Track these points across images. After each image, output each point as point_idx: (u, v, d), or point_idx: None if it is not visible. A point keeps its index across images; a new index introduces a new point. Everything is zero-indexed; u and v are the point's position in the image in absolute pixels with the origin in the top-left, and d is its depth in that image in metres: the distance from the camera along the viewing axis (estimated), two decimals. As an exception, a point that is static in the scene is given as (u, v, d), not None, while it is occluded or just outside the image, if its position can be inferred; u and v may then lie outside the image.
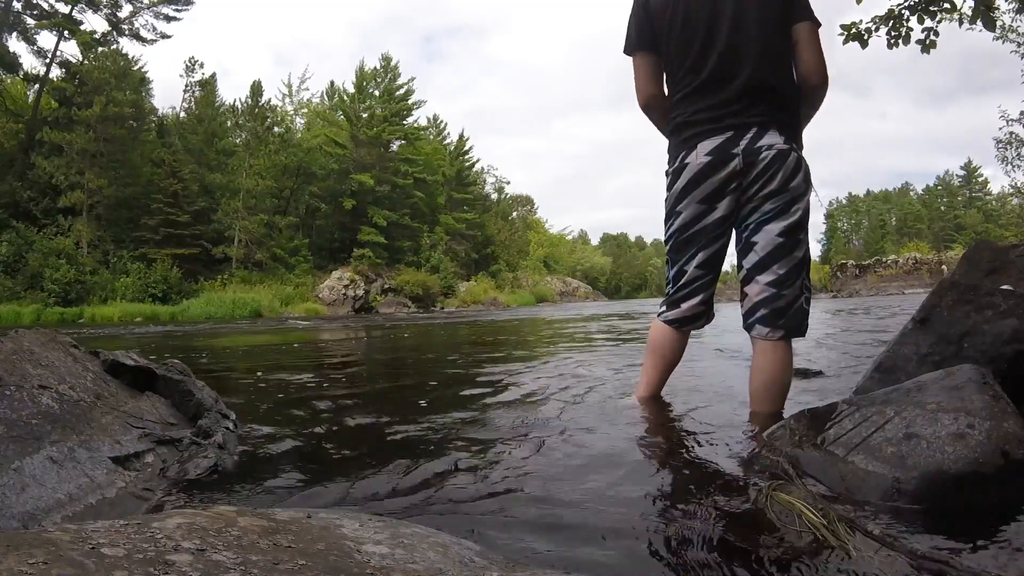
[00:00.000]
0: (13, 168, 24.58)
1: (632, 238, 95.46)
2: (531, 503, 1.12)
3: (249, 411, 2.08)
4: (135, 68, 29.18)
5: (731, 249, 1.82)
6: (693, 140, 1.69)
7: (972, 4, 4.54)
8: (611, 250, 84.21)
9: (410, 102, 36.23)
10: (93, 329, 13.47)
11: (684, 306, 1.82)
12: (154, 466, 1.34)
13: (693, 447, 1.48)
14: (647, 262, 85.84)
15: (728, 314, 3.51)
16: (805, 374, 2.54)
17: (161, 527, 0.64)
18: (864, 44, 4.87)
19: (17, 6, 25.62)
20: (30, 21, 25.96)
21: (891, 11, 4.75)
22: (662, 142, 1.87)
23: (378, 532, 0.77)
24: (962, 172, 62.48)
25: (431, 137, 41.78)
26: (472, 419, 1.91)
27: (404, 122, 35.93)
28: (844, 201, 71.74)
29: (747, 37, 1.64)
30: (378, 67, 35.57)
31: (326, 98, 38.93)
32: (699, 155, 1.67)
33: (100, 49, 26.65)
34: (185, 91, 34.92)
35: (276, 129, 32.18)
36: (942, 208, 61.95)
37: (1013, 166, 15.14)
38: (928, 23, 4.72)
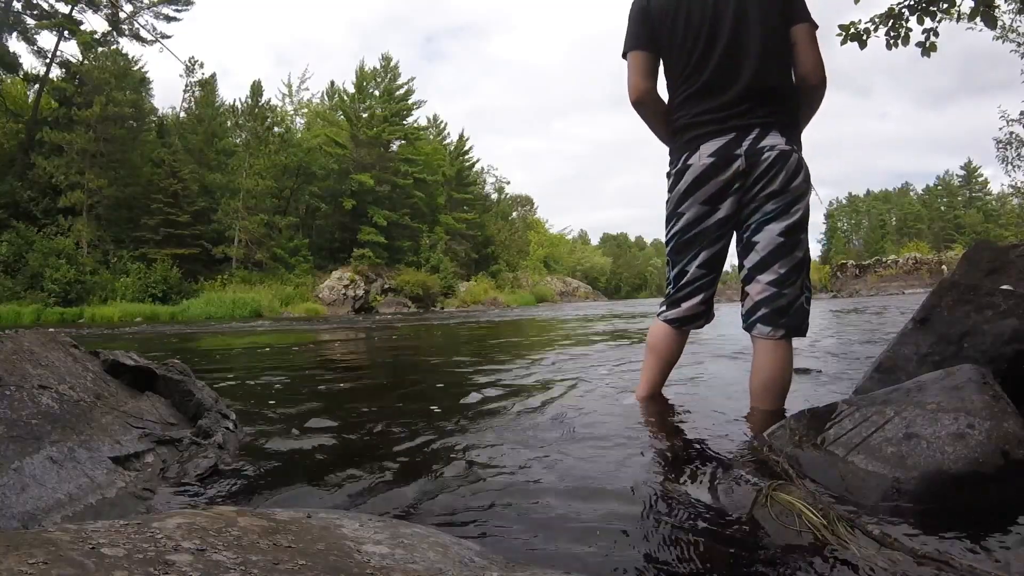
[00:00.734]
0: (13, 168, 24.57)
1: (632, 238, 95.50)
2: (531, 503, 1.12)
3: (249, 411, 2.08)
4: (135, 68, 29.20)
5: (732, 249, 1.83)
6: (696, 141, 1.70)
7: (972, 3, 4.54)
8: (611, 250, 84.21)
9: (410, 102, 36.23)
10: (93, 329, 13.47)
11: (684, 306, 1.83)
12: (154, 466, 1.34)
13: (693, 446, 1.48)
14: (647, 262, 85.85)
15: (728, 314, 3.51)
16: (805, 374, 2.54)
17: (161, 527, 0.64)
18: (863, 44, 4.86)
19: (17, 6, 25.63)
20: (30, 21, 25.97)
21: (891, 10, 4.74)
22: (662, 143, 1.88)
23: (378, 532, 0.77)
24: (962, 172, 62.51)
25: (431, 137, 41.78)
26: (472, 419, 1.91)
27: (404, 122, 35.92)
28: (844, 201, 71.82)
29: (749, 39, 1.65)
30: (378, 67, 35.58)
31: (326, 98, 38.95)
32: (702, 156, 1.68)
33: (100, 49, 26.65)
34: (185, 91, 34.96)
35: (276, 129, 32.17)
36: (942, 208, 61.95)
37: (1013, 166, 15.14)
38: (928, 23, 4.71)
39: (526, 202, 59.53)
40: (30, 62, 28.72)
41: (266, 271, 28.03)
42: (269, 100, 33.09)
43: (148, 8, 28.36)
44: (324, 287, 28.53)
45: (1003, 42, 10.85)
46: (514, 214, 55.25)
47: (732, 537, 0.96)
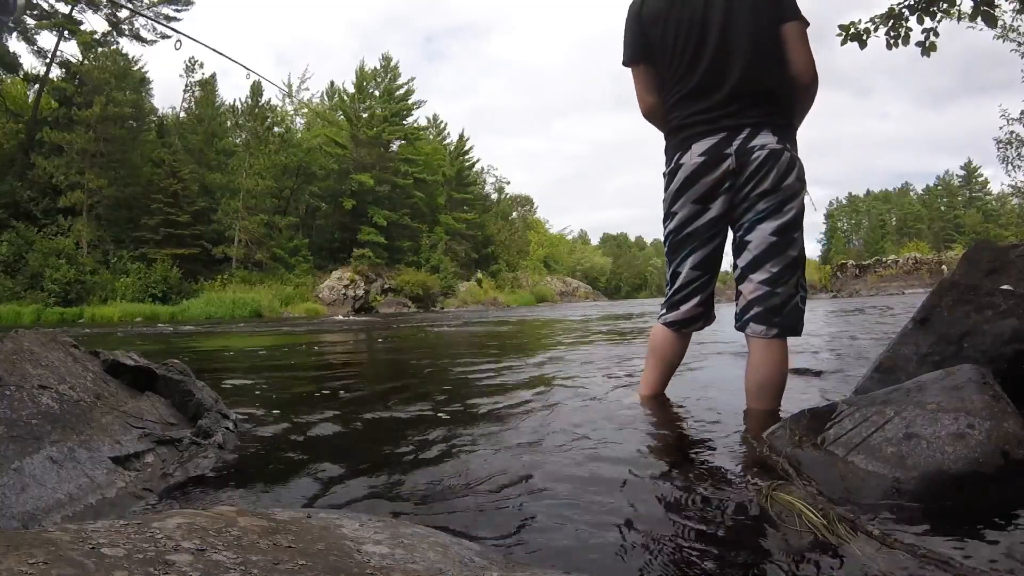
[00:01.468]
0: (13, 168, 24.58)
1: (632, 238, 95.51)
2: (532, 503, 1.12)
3: (249, 411, 2.08)
4: (135, 68, 29.19)
5: (729, 250, 1.83)
6: (688, 141, 1.72)
7: (972, 2, 4.53)
8: (611, 250, 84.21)
9: (410, 102, 36.24)
10: (93, 329, 13.47)
11: (683, 308, 1.84)
12: (154, 466, 1.34)
13: (693, 446, 1.48)
14: (647, 262, 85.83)
15: (728, 314, 3.51)
16: (805, 374, 2.54)
17: (161, 527, 0.64)
18: (863, 44, 4.86)
19: (31, 23, 25.59)
20: (30, 21, 25.95)
21: (891, 10, 4.74)
22: (662, 142, 1.88)
23: (378, 532, 0.77)
24: (962, 172, 62.52)
25: (431, 137, 41.79)
26: (473, 419, 1.91)
27: (404, 122, 35.93)
28: (844, 201, 71.83)
29: (738, 40, 1.66)
30: (378, 67, 35.59)
31: (326, 98, 38.95)
32: (693, 155, 1.70)
33: (100, 49, 26.66)
34: (185, 91, 34.97)
35: (276, 129, 32.19)
36: (942, 208, 61.95)
37: (1013, 166, 15.13)
38: (928, 23, 4.71)
39: (526, 202, 59.55)
40: (30, 62, 28.72)
41: (266, 271, 28.04)
42: (269, 100, 33.13)
43: (148, 8, 28.34)
44: (324, 287, 28.54)
45: (1003, 41, 10.85)
46: (514, 214, 55.25)
47: (732, 537, 0.96)
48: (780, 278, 1.65)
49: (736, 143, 1.64)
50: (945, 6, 4.64)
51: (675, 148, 1.76)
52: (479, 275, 36.94)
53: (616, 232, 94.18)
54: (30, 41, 26.33)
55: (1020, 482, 1.01)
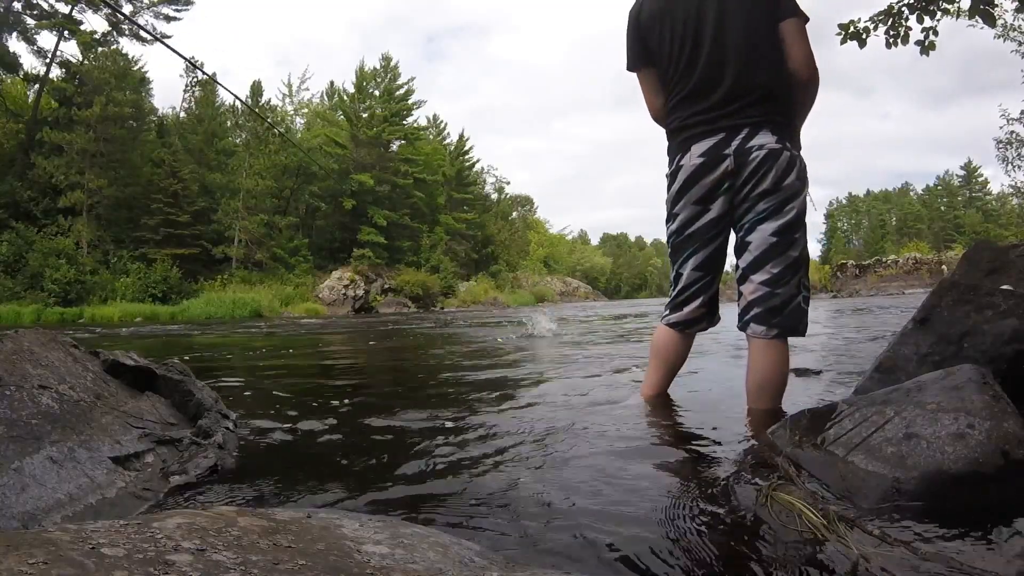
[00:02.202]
0: (13, 168, 24.57)
1: (632, 238, 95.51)
2: (532, 503, 1.12)
3: (249, 411, 2.08)
4: (135, 68, 29.19)
5: (731, 250, 1.83)
6: (687, 143, 1.72)
7: (971, 1, 4.53)
8: (611, 250, 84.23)
9: (410, 102, 36.23)
10: (93, 329, 13.47)
11: (686, 309, 1.84)
12: (154, 466, 1.34)
13: (694, 446, 1.48)
14: (647, 262, 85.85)
15: (727, 314, 3.51)
16: (805, 374, 2.54)
17: (161, 527, 0.64)
18: (862, 43, 4.85)
19: (17, 6, 25.61)
20: (30, 21, 25.96)
21: (890, 8, 4.74)
22: (662, 142, 1.89)
23: (378, 532, 0.77)
24: (962, 172, 62.50)
25: (431, 137, 41.79)
26: (473, 419, 1.91)
27: (404, 122, 35.91)
28: (844, 201, 71.80)
29: (733, 40, 1.67)
30: (378, 67, 35.57)
31: (326, 98, 38.94)
32: (692, 157, 1.70)
33: (100, 49, 26.65)
34: (185, 91, 34.99)
35: (277, 129, 32.16)
36: (942, 208, 61.94)
37: (1013, 166, 15.13)
38: (927, 22, 4.71)
39: (526, 202, 59.57)
40: (30, 62, 28.77)
41: (266, 271, 28.03)
42: (269, 100, 33.16)
43: (148, 8, 28.34)
44: (324, 287, 28.53)
45: (1004, 41, 10.85)
46: (514, 214, 55.25)
47: (732, 537, 0.96)
48: (781, 279, 1.64)
49: (735, 143, 1.64)
50: (944, 5, 4.63)
51: (676, 150, 1.77)
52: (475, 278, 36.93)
53: (616, 232, 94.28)
54: (30, 41, 26.35)
55: (1020, 482, 1.01)
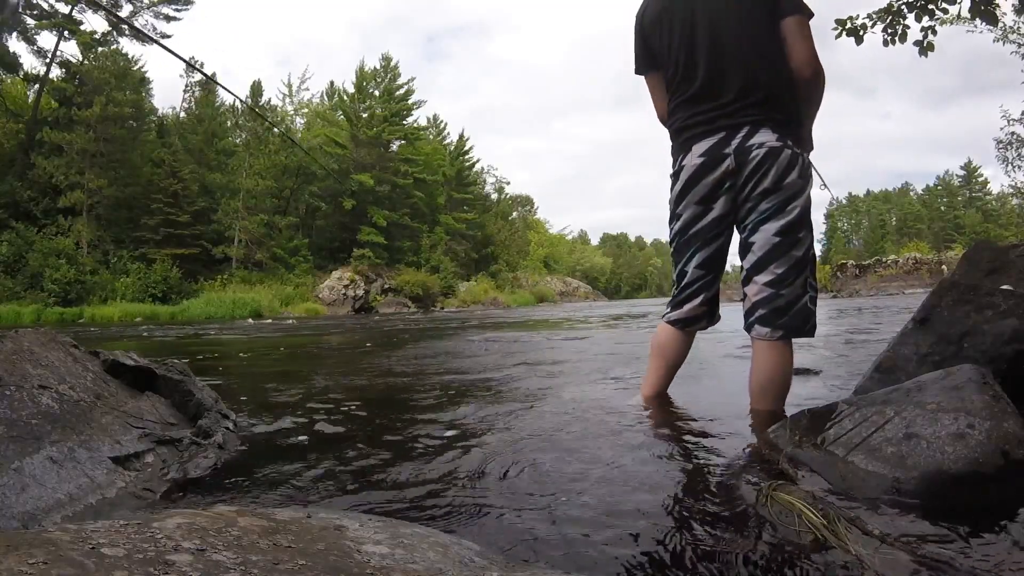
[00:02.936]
0: (13, 168, 24.57)
1: (632, 238, 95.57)
2: (533, 503, 1.12)
3: (249, 411, 2.08)
4: (135, 68, 29.18)
5: (734, 249, 1.83)
6: (688, 143, 1.73)
7: (971, 1, 4.52)
8: (611, 250, 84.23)
9: (410, 102, 36.23)
10: (94, 329, 13.46)
11: (686, 307, 1.84)
12: (154, 466, 1.34)
13: (694, 446, 1.48)
14: (647, 262, 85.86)
15: (728, 313, 3.51)
16: (805, 374, 2.54)
17: (161, 527, 0.64)
18: (859, 40, 4.84)
19: (17, 3, 25.56)
20: (30, 21, 25.94)
21: (890, 6, 4.73)
22: (663, 142, 1.89)
23: (378, 532, 0.77)
24: (962, 172, 62.50)
25: (431, 137, 41.79)
26: (473, 419, 1.91)
27: (404, 122, 35.91)
28: (844, 201, 71.75)
29: (732, 40, 1.67)
30: (378, 67, 35.58)
31: (326, 98, 38.94)
32: (693, 157, 1.70)
33: (100, 49, 26.64)
34: (185, 91, 34.98)
35: (276, 129, 32.17)
36: (942, 208, 61.94)
37: (1013, 166, 15.13)
38: (926, 21, 4.70)
39: (526, 202, 59.61)
40: (30, 62, 28.77)
41: (266, 271, 28.03)
42: (269, 100, 33.18)
43: (148, 8, 28.34)
44: (324, 287, 28.52)
45: (1003, 43, 10.82)
46: (514, 214, 55.26)
47: (732, 537, 0.96)
48: (785, 279, 1.63)
49: (735, 142, 1.64)
50: (944, 5, 4.62)
51: (678, 150, 1.77)
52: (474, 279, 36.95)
53: (616, 232, 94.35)
54: (30, 41, 26.34)
55: (1020, 482, 1.01)
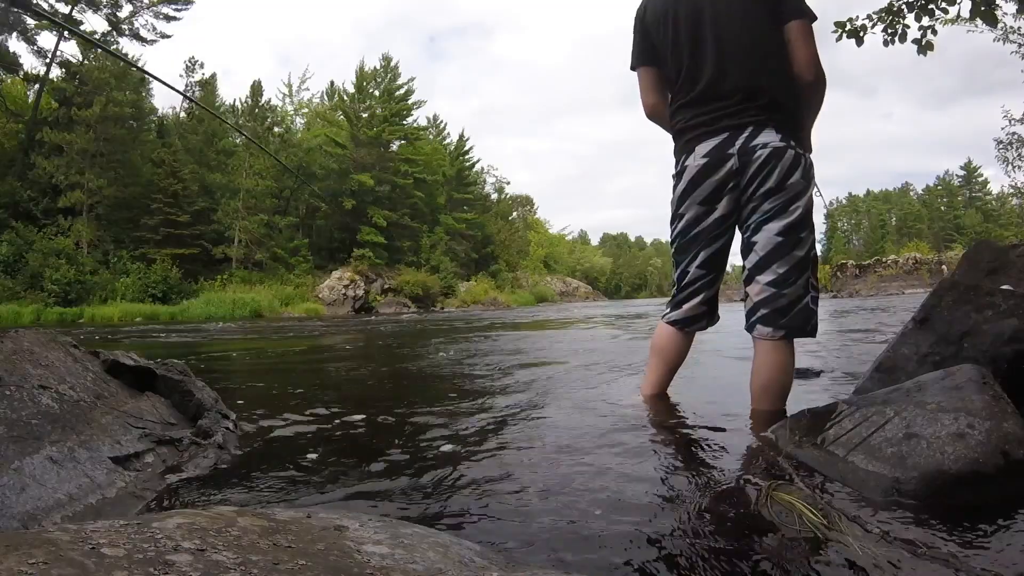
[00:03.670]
0: (13, 168, 24.57)
1: (632, 238, 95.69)
2: (533, 504, 1.12)
3: (249, 411, 2.08)
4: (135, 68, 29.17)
5: (736, 250, 1.84)
6: (691, 144, 1.73)
7: (971, 1, 4.52)
8: (611, 250, 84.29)
9: (410, 102, 36.22)
10: (94, 328, 13.47)
11: (686, 307, 1.84)
12: (154, 466, 1.34)
13: (695, 446, 1.48)
14: (647, 262, 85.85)
15: (727, 314, 3.51)
16: (805, 374, 2.54)
17: (161, 527, 0.64)
18: (860, 41, 4.84)
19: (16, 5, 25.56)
20: (30, 21, 25.93)
21: (890, 6, 4.73)
22: (665, 142, 1.89)
23: (378, 532, 0.77)
24: (962, 172, 62.54)
25: (431, 137, 41.79)
26: (473, 419, 1.91)
27: (404, 122, 35.91)
28: (844, 201, 71.80)
29: (736, 42, 1.67)
30: (378, 67, 35.57)
31: (326, 98, 38.94)
32: (696, 157, 1.70)
33: (100, 49, 26.63)
34: (185, 91, 34.89)
35: (276, 129, 32.18)
36: (942, 208, 61.97)
37: (1014, 167, 15.12)
38: (926, 21, 4.69)
39: (526, 202, 59.57)
40: (30, 62, 28.76)
41: (266, 271, 28.02)
42: (269, 100, 33.15)
43: (148, 8, 28.33)
44: (324, 287, 28.52)
45: (1003, 43, 10.82)
46: (514, 214, 55.26)
47: (732, 537, 0.96)
48: (787, 279, 1.64)
49: (738, 143, 1.64)
50: (944, 4, 4.62)
51: (681, 151, 1.77)
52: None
53: (616, 232, 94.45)
54: (30, 41, 26.31)
55: (1020, 482, 1.01)
